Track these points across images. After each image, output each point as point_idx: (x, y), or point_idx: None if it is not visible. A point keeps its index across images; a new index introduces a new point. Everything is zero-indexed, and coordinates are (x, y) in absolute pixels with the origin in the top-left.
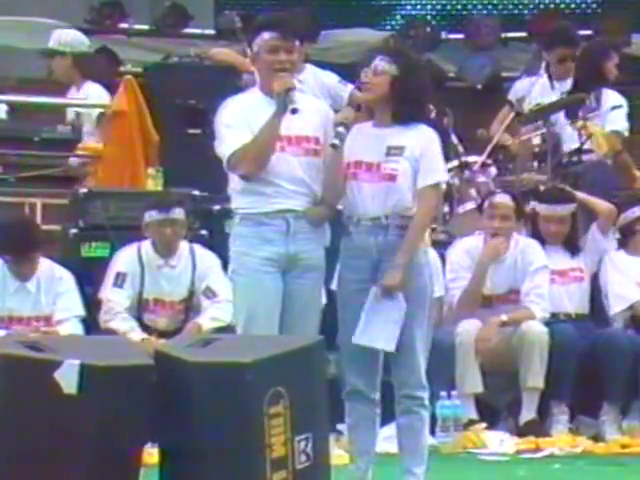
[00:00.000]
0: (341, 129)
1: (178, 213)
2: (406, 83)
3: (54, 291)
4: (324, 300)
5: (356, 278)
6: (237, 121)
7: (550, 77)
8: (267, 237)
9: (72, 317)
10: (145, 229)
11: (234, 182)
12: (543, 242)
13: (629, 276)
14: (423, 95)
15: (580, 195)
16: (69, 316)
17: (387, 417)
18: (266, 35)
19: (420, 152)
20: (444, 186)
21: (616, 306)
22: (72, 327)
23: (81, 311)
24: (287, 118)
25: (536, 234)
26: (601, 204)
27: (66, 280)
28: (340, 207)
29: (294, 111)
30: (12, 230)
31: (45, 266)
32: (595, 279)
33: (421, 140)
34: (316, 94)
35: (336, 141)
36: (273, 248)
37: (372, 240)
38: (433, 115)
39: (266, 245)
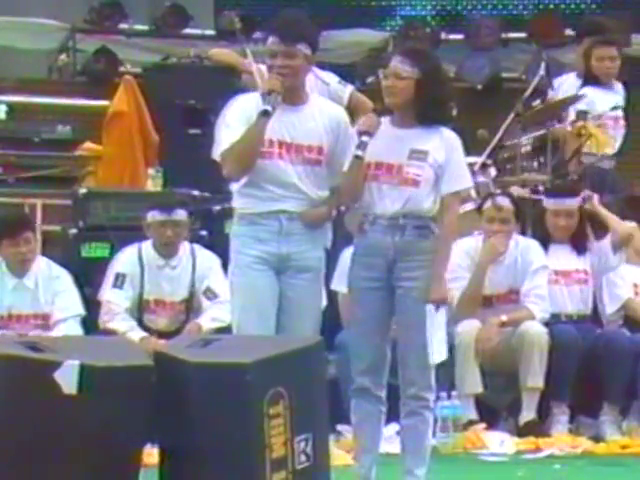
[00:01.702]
0: (366, 138)
1: (180, 214)
2: (430, 85)
3: (52, 290)
4: (325, 301)
5: (369, 276)
6: (237, 121)
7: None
8: (259, 236)
9: (71, 317)
10: (147, 229)
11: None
12: (546, 242)
13: (624, 278)
14: (446, 95)
15: (602, 211)
16: (68, 316)
17: (388, 418)
18: (269, 40)
19: (445, 159)
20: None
21: (611, 305)
22: (71, 327)
23: (80, 310)
24: (291, 125)
25: (539, 234)
26: (621, 226)
27: (64, 279)
28: (342, 208)
29: (265, 113)
30: (4, 214)
31: (43, 265)
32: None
33: (445, 146)
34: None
35: (359, 152)
36: (265, 247)
37: (389, 240)
38: (455, 113)
39: (258, 244)
